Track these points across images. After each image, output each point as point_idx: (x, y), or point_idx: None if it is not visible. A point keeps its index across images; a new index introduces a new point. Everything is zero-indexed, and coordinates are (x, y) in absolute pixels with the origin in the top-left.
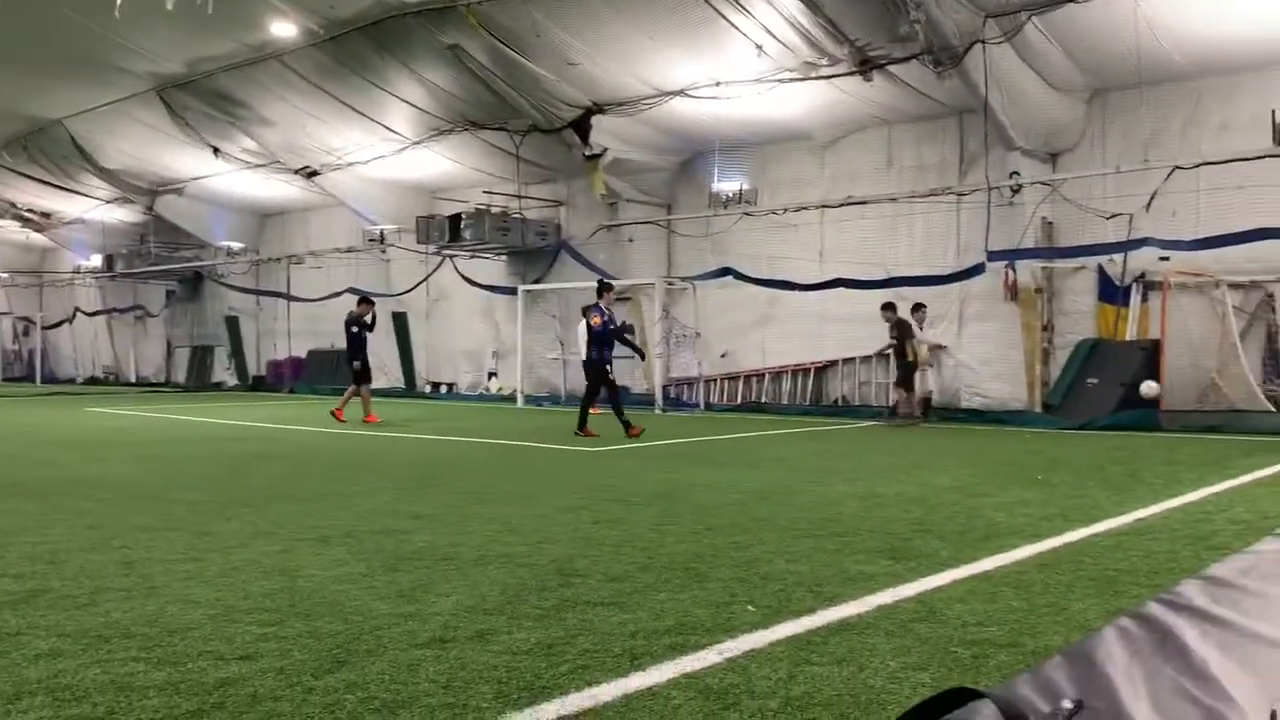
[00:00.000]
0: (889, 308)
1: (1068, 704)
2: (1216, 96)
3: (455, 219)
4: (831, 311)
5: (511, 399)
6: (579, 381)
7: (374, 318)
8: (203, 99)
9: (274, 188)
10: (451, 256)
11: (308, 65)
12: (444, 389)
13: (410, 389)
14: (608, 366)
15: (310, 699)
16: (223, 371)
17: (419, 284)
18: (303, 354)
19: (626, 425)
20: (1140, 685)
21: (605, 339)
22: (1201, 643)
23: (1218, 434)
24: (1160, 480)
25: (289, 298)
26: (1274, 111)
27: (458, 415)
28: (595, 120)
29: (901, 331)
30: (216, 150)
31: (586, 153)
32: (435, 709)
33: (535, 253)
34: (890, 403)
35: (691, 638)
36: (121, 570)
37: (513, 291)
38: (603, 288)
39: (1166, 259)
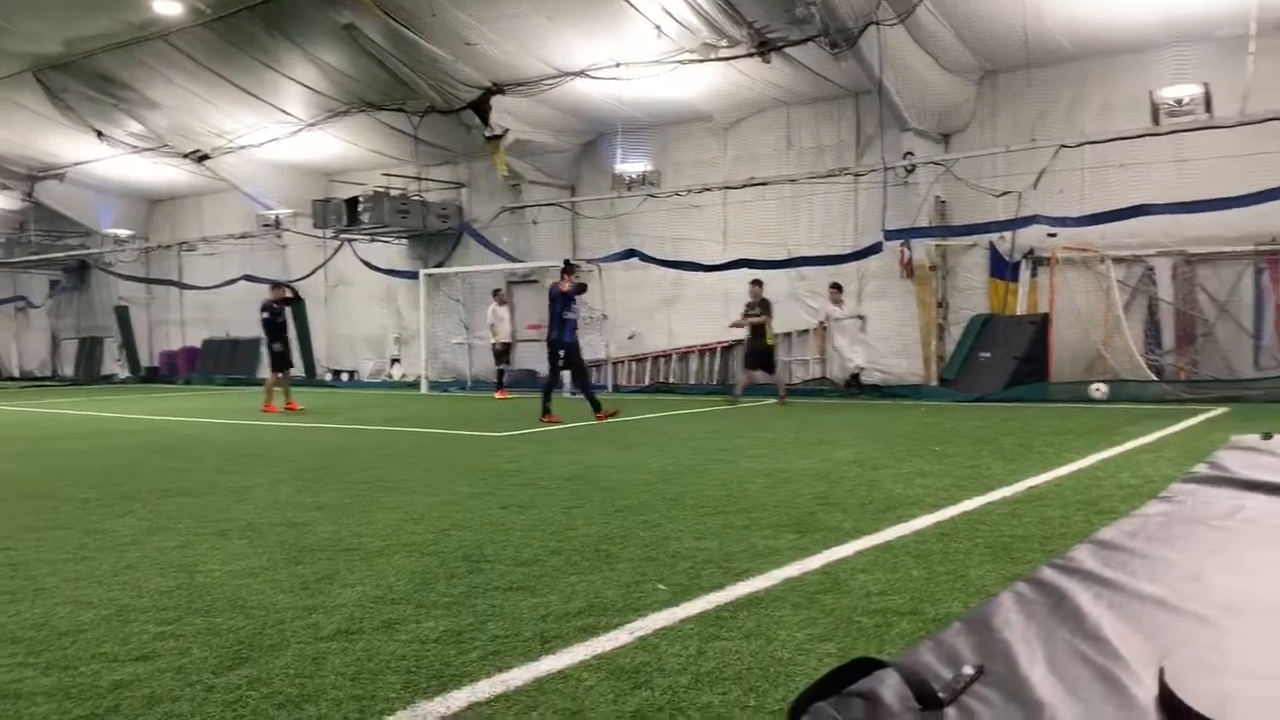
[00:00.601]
0: (758, 283)
1: (969, 670)
2: (1099, 78)
3: (353, 202)
4: (736, 292)
5: (415, 385)
6: (485, 365)
7: (293, 294)
8: (83, 80)
9: (163, 172)
10: (350, 241)
11: (195, 45)
12: (345, 376)
13: (310, 377)
14: (563, 351)
15: (211, 698)
16: (113, 363)
17: (316, 269)
18: (198, 344)
19: (596, 406)
20: (1037, 648)
21: (566, 320)
22: (1094, 605)
23: (1104, 403)
24: (1051, 449)
25: (181, 285)
26: (1151, 93)
27: (360, 403)
28: (495, 101)
29: (764, 310)
30: (100, 134)
31: (487, 134)
32: (342, 701)
33: (437, 236)
34: (734, 382)
35: (602, 619)
36: (5, 572)
37: (414, 276)
38: (570, 266)
39: (1054, 235)
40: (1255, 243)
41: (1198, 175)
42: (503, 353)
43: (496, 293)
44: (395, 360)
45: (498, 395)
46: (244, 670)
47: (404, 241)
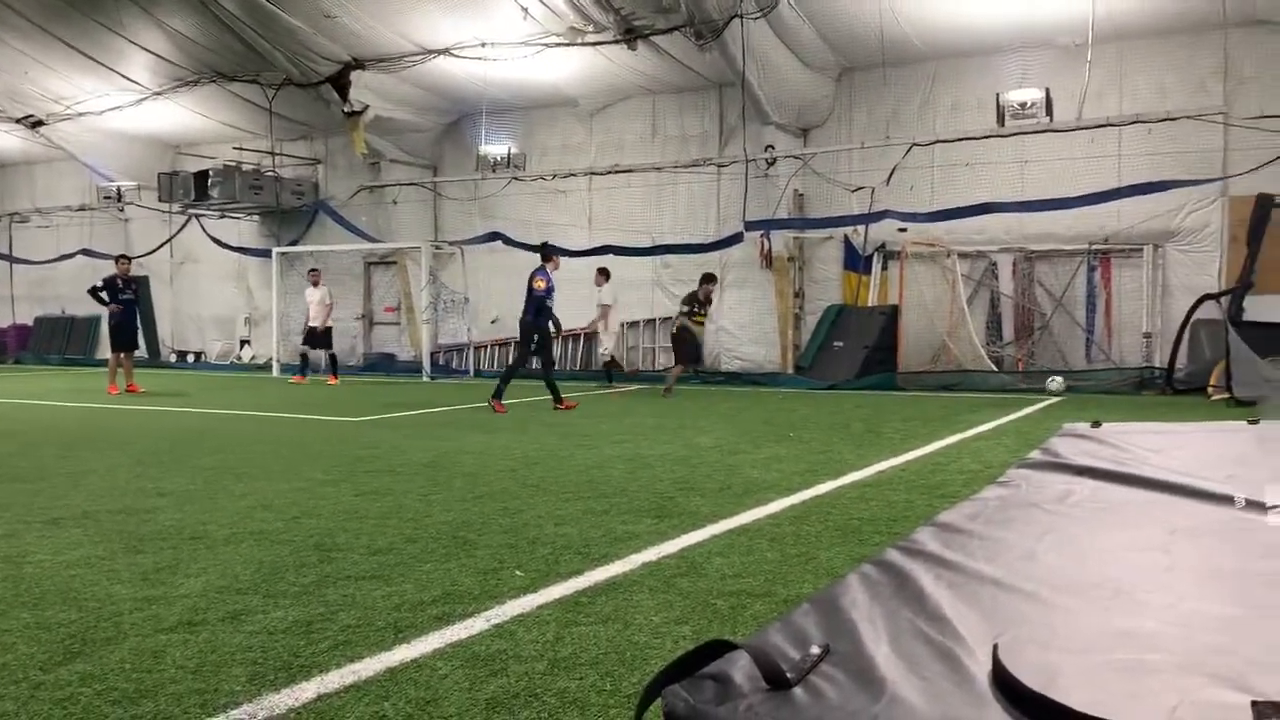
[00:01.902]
0: (711, 279)
1: (815, 649)
2: (949, 79)
3: (202, 176)
4: None
5: (267, 368)
6: (339, 348)
7: (114, 281)
8: None
9: None
10: (198, 216)
11: (30, 4)
12: (191, 358)
13: (154, 359)
14: (537, 334)
15: (39, 695)
16: None
17: (161, 245)
18: (29, 321)
19: (557, 397)
20: (881, 628)
21: (544, 305)
22: (934, 585)
23: (949, 392)
24: (899, 435)
25: (11, 260)
26: (997, 95)
27: (208, 386)
28: (356, 76)
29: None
30: None
31: (346, 110)
32: (182, 696)
33: (291, 213)
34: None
35: (458, 607)
36: None
37: (267, 254)
38: (549, 251)
39: (904, 230)
40: (1089, 241)
41: (1038, 176)
42: (320, 336)
43: (312, 273)
44: (245, 342)
45: (294, 380)
46: (75, 666)
47: (256, 218)
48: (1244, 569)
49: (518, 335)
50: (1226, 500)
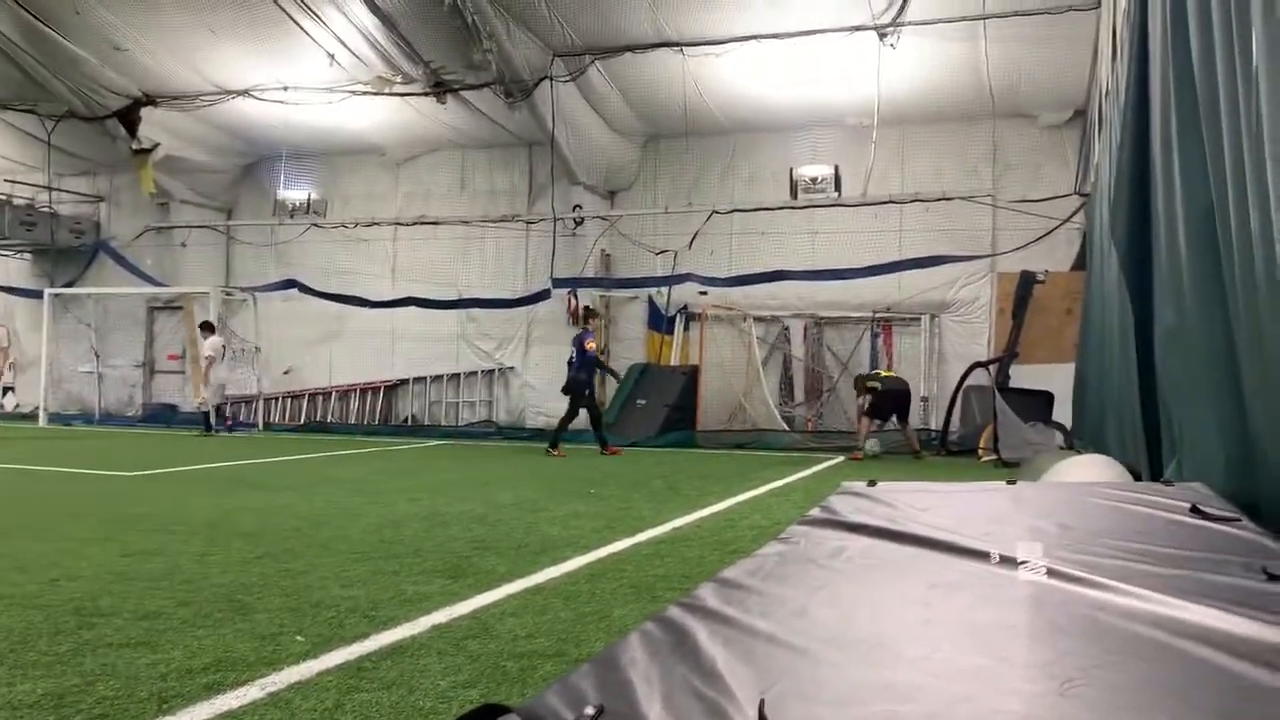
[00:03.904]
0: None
1: (590, 710)
2: (747, 151)
3: None
4: (403, 330)
5: (32, 417)
6: (116, 397)
7: None
8: None
9: None
10: None
11: None
12: None
13: None
14: (589, 390)
15: None
16: None
17: None
18: None
19: (603, 443)
20: (656, 686)
21: (594, 363)
22: (710, 641)
23: (744, 450)
24: (695, 492)
25: None
26: (791, 169)
27: None
28: (145, 112)
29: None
30: None
31: (134, 146)
32: None
33: (68, 252)
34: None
35: (231, 674)
36: None
37: (38, 295)
38: (589, 313)
39: (704, 294)
40: (873, 310)
41: (828, 247)
42: None
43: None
44: (9, 389)
45: None
46: None
47: (28, 257)
48: (994, 621)
49: (569, 390)
50: (983, 556)
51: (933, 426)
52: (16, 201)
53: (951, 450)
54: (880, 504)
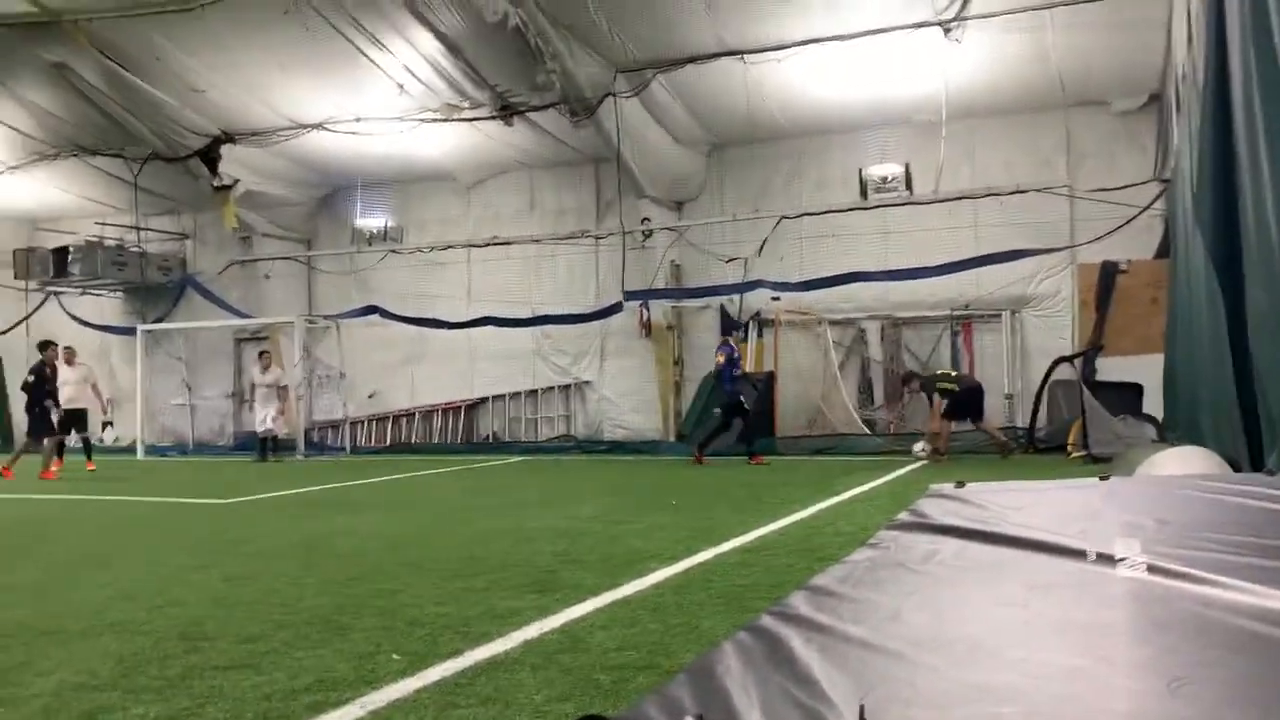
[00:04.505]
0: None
1: (689, 719)
2: (814, 154)
3: (62, 252)
4: (481, 349)
5: (130, 450)
6: (208, 427)
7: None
8: None
9: None
10: (58, 294)
11: None
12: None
13: (7, 442)
14: (742, 398)
15: None
16: None
17: (16, 325)
18: None
19: (751, 454)
20: (753, 694)
21: (731, 375)
22: (805, 648)
23: (825, 455)
24: (778, 500)
25: None
26: (860, 170)
27: (67, 469)
28: (225, 150)
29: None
30: None
31: (216, 184)
32: None
33: (157, 289)
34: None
35: (332, 694)
36: None
37: (131, 332)
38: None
39: (777, 299)
40: (951, 308)
41: (901, 246)
42: (68, 420)
43: (66, 350)
44: (108, 423)
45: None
46: None
47: (120, 295)
48: (1093, 620)
49: (727, 404)
50: (1079, 555)
51: (1018, 424)
52: (108, 242)
53: (1039, 447)
54: (970, 505)
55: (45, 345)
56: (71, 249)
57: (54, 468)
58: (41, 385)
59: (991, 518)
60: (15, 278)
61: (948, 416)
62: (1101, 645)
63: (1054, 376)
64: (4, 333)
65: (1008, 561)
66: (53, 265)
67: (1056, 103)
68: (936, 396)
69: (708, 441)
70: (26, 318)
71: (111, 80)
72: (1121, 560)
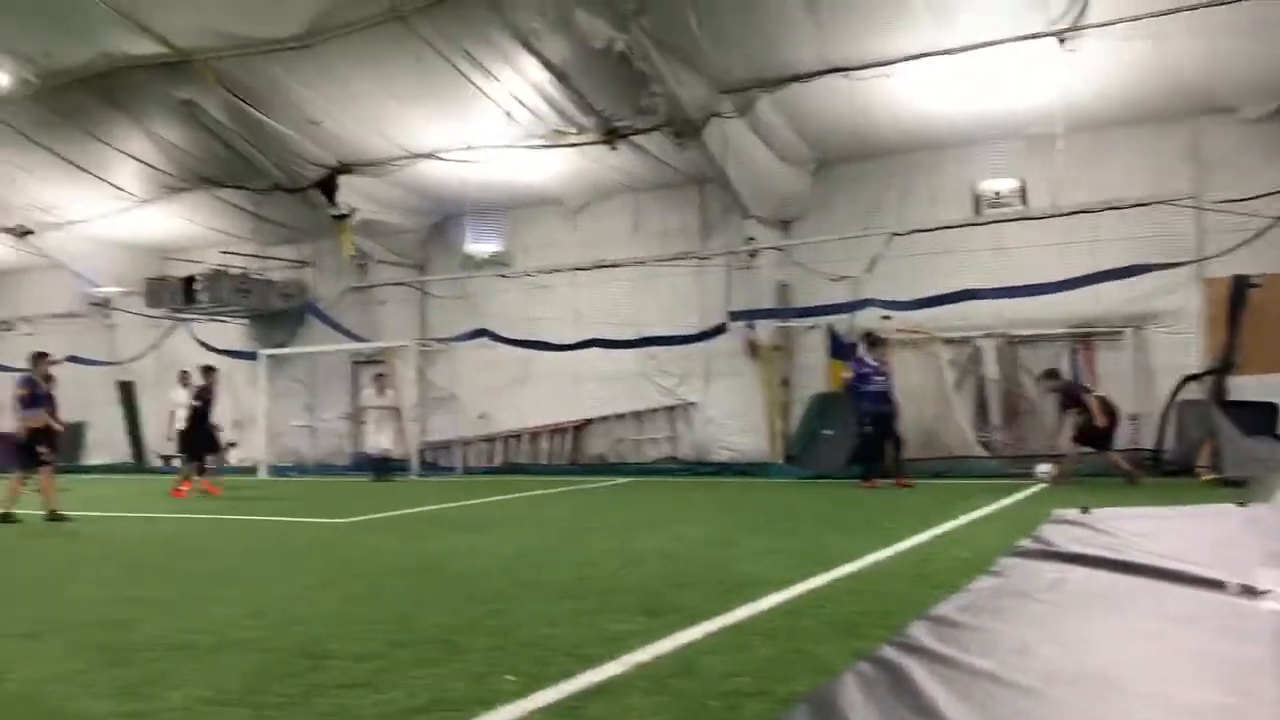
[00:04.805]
0: (1051, 376)
1: None
2: (924, 169)
3: (189, 281)
4: (587, 371)
5: (253, 471)
6: (327, 448)
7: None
8: None
9: None
10: (186, 320)
11: (21, 116)
12: (177, 462)
13: (139, 463)
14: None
15: None
16: None
17: (148, 350)
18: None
19: (902, 474)
20: None
21: (860, 391)
22: (930, 681)
23: (940, 478)
24: (891, 524)
25: None
26: (973, 185)
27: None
28: (342, 180)
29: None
30: None
31: (333, 213)
32: None
33: (279, 315)
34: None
35: (449, 714)
36: None
37: (253, 356)
38: (876, 340)
39: (888, 318)
40: (1070, 325)
41: (1017, 262)
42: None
43: (182, 373)
44: (232, 444)
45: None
46: None
47: (244, 321)
48: (1237, 655)
49: (883, 420)
50: (1218, 585)
51: (1144, 446)
52: (232, 271)
53: (1166, 470)
54: (1097, 532)
55: (209, 370)
56: (198, 278)
57: (185, 487)
58: (207, 407)
59: (1120, 545)
60: (147, 306)
61: (1080, 440)
62: (1249, 682)
63: (1181, 396)
64: (136, 359)
65: (1139, 591)
66: (181, 293)
67: (1181, 111)
68: (1074, 415)
69: (870, 464)
70: (157, 344)
71: (236, 115)
72: (1265, 592)
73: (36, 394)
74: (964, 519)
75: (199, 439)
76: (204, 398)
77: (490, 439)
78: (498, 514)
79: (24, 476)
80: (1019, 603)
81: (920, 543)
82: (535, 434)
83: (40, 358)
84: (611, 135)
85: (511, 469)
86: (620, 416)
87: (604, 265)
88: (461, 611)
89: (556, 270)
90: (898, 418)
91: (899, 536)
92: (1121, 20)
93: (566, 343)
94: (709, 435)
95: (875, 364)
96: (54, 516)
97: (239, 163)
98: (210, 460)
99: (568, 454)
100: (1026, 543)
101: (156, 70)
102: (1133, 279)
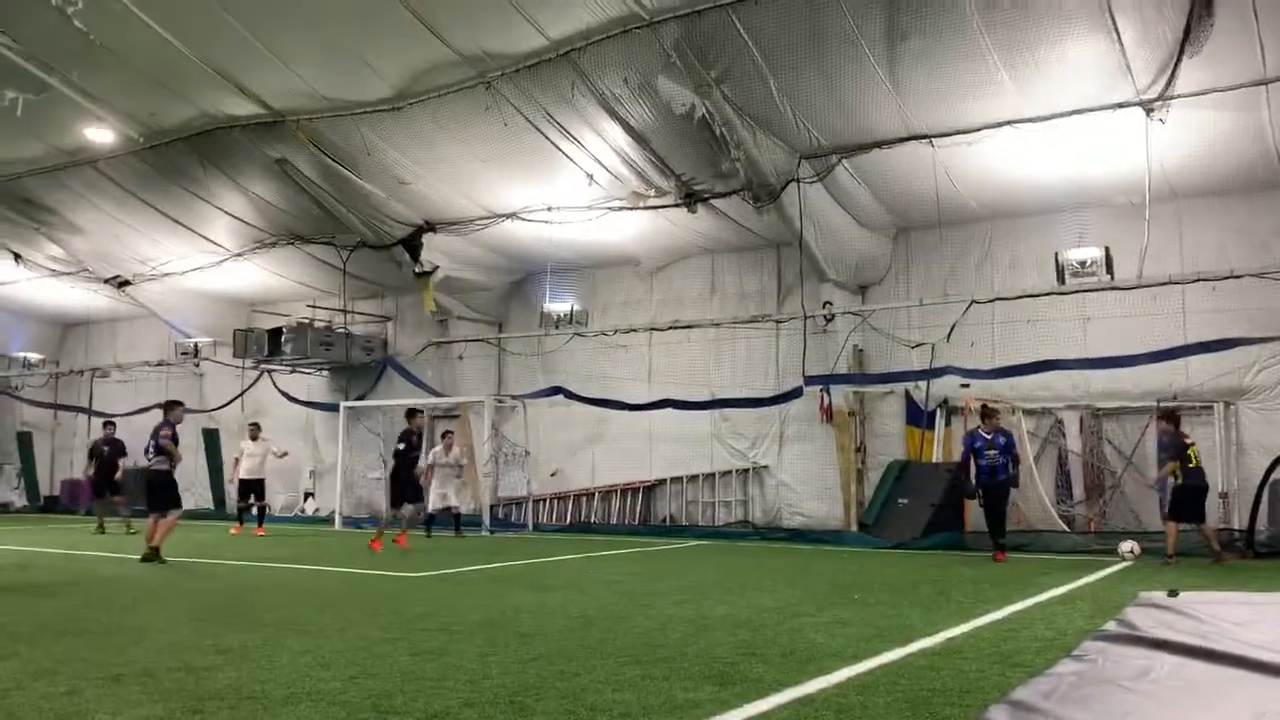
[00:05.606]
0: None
1: None
2: (1006, 237)
3: (276, 333)
4: (660, 431)
5: (329, 520)
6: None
7: (414, 437)
8: (4, 203)
9: (79, 296)
10: (270, 371)
11: (125, 172)
12: (255, 510)
13: (219, 510)
14: (980, 491)
15: None
16: (9, 491)
17: (234, 400)
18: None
19: (1000, 548)
20: None
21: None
22: None
23: (1019, 552)
24: (968, 599)
25: (90, 412)
26: (1056, 254)
27: (271, 538)
28: (426, 238)
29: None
30: (18, 257)
31: (417, 270)
32: None
33: (360, 368)
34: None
35: None
36: None
37: (334, 408)
38: (986, 411)
39: (966, 386)
40: (1157, 398)
41: (1101, 333)
42: (246, 488)
43: (252, 426)
44: (309, 494)
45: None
46: None
47: (326, 373)
48: None
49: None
50: None
51: (1235, 526)
52: (317, 324)
53: (1260, 552)
54: (1186, 617)
55: (413, 413)
56: (285, 330)
57: (399, 540)
58: (409, 453)
59: (1211, 632)
60: (234, 355)
61: (1173, 517)
62: None
63: (1276, 474)
64: (222, 407)
65: (1233, 683)
66: (267, 344)
67: (1273, 181)
68: (1168, 462)
69: (996, 534)
70: (242, 393)
71: (326, 174)
72: None
73: (175, 438)
74: (1044, 596)
75: (407, 487)
76: (408, 441)
77: (562, 496)
78: (568, 573)
79: (159, 517)
80: (1104, 690)
81: (999, 619)
82: (607, 493)
83: (174, 405)
84: (690, 198)
85: (582, 527)
86: (692, 478)
87: (680, 326)
88: (529, 671)
89: (633, 330)
90: (1007, 496)
91: (977, 612)
92: (1212, 90)
93: (640, 402)
94: (781, 500)
95: (987, 436)
96: (153, 557)
97: (328, 219)
98: (409, 509)
99: (638, 514)
100: (1111, 625)
101: (252, 129)
102: (1224, 352)
